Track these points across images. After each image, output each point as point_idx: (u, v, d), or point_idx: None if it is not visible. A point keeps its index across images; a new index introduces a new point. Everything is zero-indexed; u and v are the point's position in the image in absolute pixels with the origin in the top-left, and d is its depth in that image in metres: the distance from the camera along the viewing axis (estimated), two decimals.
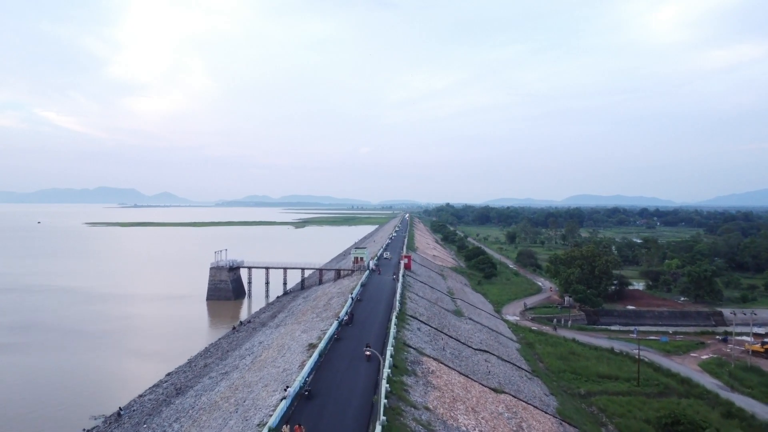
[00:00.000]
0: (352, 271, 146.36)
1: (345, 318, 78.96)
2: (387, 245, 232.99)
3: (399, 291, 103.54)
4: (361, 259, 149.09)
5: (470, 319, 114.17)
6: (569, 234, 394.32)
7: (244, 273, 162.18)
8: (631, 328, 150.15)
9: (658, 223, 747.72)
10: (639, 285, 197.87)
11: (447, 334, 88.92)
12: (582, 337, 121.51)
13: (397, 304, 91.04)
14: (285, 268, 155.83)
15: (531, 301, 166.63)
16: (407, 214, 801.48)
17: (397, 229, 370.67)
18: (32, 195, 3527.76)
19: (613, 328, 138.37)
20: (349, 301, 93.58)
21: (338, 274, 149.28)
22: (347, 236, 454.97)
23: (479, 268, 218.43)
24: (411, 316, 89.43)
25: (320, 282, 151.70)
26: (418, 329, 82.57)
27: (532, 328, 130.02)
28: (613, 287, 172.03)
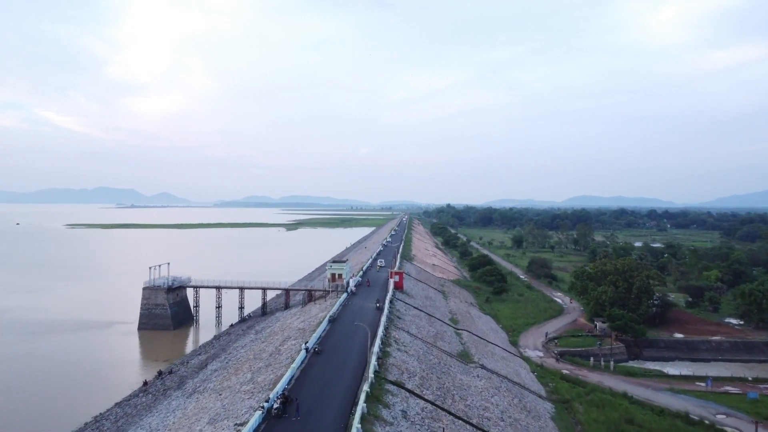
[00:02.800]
0: (327, 291, 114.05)
1: (279, 400, 46.24)
2: (379, 252, 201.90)
3: (381, 332, 71.09)
4: (340, 276, 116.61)
5: (482, 367, 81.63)
6: (581, 238, 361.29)
7: (195, 294, 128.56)
8: (683, 360, 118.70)
9: (669, 225, 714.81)
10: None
11: (450, 411, 56.51)
12: (633, 387, 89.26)
13: (374, 362, 58.51)
14: (242, 288, 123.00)
15: (553, 326, 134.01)
16: (406, 216, 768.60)
17: (393, 233, 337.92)
18: (31, 195, 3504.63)
19: (671, 371, 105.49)
20: (302, 355, 61.16)
21: (310, 296, 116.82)
22: (340, 240, 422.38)
23: (486, 281, 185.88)
24: (394, 383, 57.00)
25: (286, 306, 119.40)
26: (403, 412, 50.14)
27: (564, 372, 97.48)
28: (653, 309, 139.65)
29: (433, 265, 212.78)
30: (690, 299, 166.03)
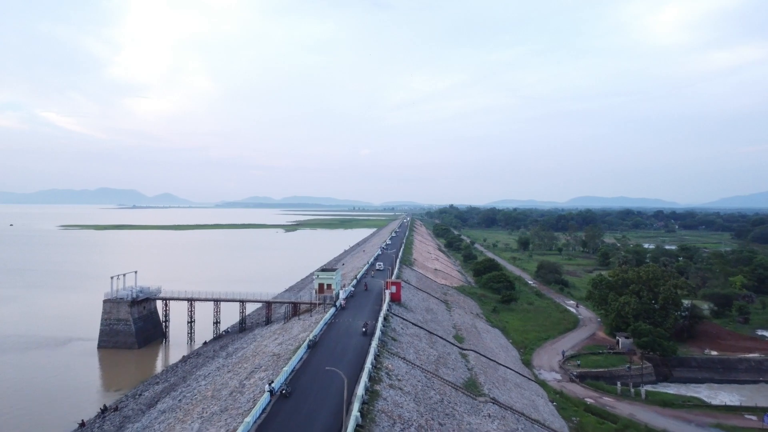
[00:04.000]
0: (313, 305, 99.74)
1: None
2: (377, 256, 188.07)
3: (368, 366, 56.72)
4: (329, 286, 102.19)
5: (494, 401, 67.36)
6: (590, 240, 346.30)
7: (164, 307, 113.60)
8: (720, 383, 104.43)
9: (677, 226, 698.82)
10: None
11: None
12: (673, 423, 75.10)
13: (357, 412, 44.29)
14: (217, 300, 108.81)
15: (569, 342, 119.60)
16: (408, 217, 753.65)
17: (393, 234, 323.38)
18: (32, 196, 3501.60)
19: (712, 399, 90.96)
20: (264, 399, 46.95)
21: (295, 309, 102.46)
22: (339, 242, 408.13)
23: (493, 287, 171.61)
24: None
25: (268, 320, 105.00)
26: None
27: (588, 401, 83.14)
28: (681, 321, 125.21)
29: (435, 270, 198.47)
30: (716, 309, 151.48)
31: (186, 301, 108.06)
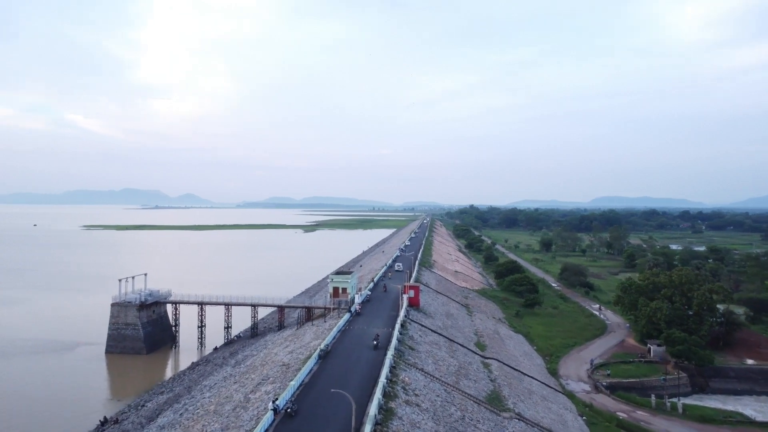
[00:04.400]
0: (327, 309, 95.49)
1: None
2: (396, 257, 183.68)
3: (383, 380, 52.11)
4: (344, 290, 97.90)
5: (519, 417, 62.32)
6: (614, 241, 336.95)
7: (174, 311, 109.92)
8: (759, 395, 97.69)
9: (704, 227, 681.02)
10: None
11: None
12: None
13: None
14: (228, 305, 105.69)
15: (597, 349, 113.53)
16: (428, 218, 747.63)
17: (413, 235, 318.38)
18: (59, 196, 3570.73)
19: (756, 413, 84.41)
20: (267, 420, 42.67)
21: (308, 314, 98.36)
22: (358, 242, 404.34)
23: (516, 290, 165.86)
24: None
25: (280, 325, 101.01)
26: None
27: (620, 416, 77.47)
28: (717, 328, 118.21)
29: (456, 272, 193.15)
30: (752, 314, 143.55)
31: (196, 305, 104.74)
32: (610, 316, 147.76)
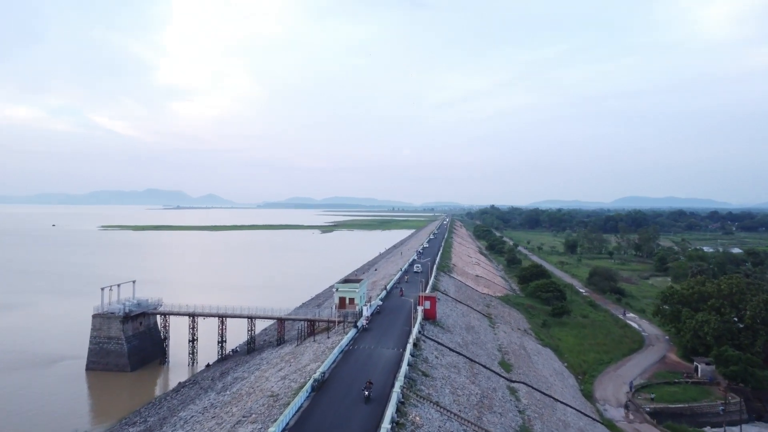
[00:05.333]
0: (333, 322, 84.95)
1: None
2: (413, 261, 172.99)
3: None
4: (351, 301, 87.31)
5: None
6: (644, 243, 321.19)
7: (164, 323, 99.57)
8: None
9: (734, 228, 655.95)
10: None
11: None
12: None
13: None
14: (223, 317, 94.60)
15: (636, 367, 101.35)
16: (447, 218, 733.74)
17: (431, 237, 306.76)
18: (84, 197, 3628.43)
19: None
20: None
21: (311, 327, 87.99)
22: (376, 243, 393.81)
23: (542, 297, 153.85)
24: None
25: (279, 340, 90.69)
26: None
27: None
28: None
29: (477, 276, 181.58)
30: None
31: (187, 317, 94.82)
32: (646, 327, 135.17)
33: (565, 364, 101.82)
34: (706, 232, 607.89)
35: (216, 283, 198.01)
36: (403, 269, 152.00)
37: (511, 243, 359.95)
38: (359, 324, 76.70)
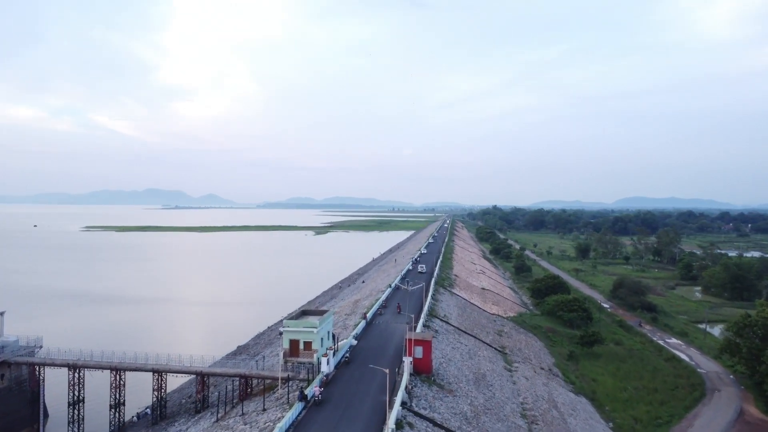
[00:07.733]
0: (276, 380, 57.18)
1: None
2: (407, 272, 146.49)
3: None
4: (307, 345, 59.19)
5: None
6: (664, 248, 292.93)
7: (39, 375, 70.10)
8: None
9: (748, 230, 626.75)
10: None
11: None
12: None
13: None
14: (118, 370, 64.80)
15: (705, 426, 73.60)
16: (448, 219, 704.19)
17: (430, 241, 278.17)
18: (84, 197, 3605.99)
19: None
20: None
21: (246, 387, 59.90)
22: (371, 246, 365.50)
23: (563, 317, 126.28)
24: None
25: (201, 404, 62.55)
26: None
27: None
28: None
29: (483, 289, 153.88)
30: None
31: (66, 368, 65.27)
32: (698, 358, 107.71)
33: (611, 425, 74.05)
34: (719, 234, 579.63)
35: (168, 297, 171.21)
36: (396, 281, 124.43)
37: (517, 247, 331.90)
38: (309, 393, 48.76)
